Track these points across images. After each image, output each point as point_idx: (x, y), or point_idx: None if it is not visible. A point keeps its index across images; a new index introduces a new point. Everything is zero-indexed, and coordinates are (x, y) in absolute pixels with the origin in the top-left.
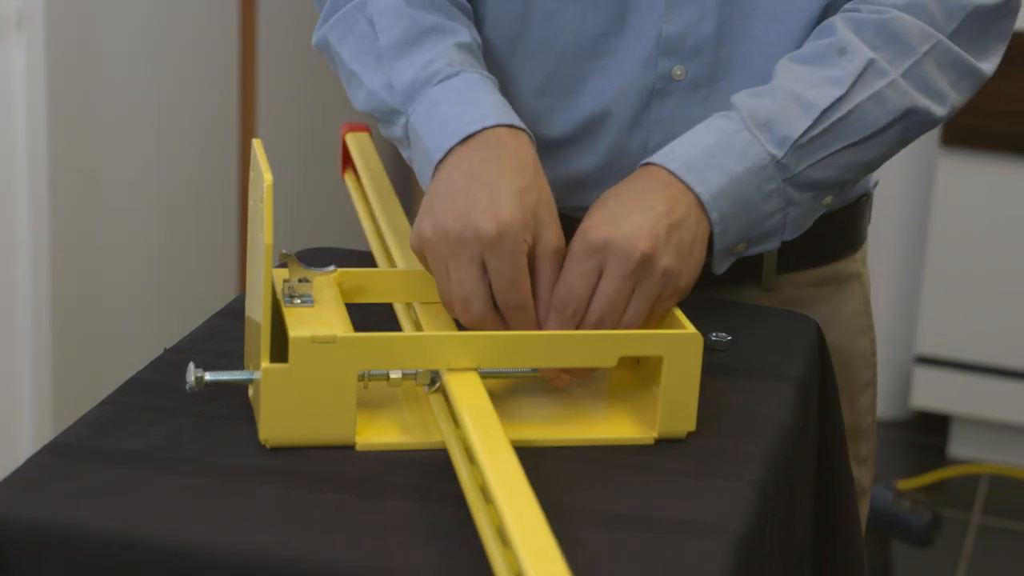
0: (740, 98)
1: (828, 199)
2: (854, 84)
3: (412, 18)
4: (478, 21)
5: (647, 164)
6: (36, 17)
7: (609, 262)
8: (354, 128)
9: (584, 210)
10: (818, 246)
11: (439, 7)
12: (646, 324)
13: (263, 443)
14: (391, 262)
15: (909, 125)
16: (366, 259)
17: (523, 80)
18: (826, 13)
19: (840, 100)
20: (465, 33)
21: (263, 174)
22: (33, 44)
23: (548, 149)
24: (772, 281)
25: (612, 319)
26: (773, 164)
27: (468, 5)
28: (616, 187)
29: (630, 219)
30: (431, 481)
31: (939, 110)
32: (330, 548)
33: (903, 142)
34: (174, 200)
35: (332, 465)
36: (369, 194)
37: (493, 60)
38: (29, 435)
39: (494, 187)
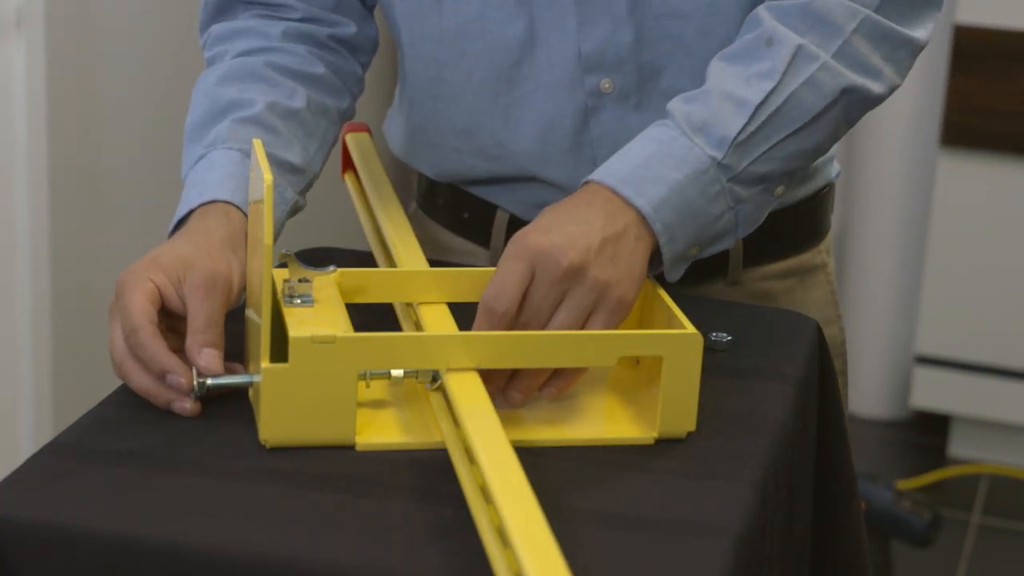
0: (675, 105)
1: (780, 189)
2: (785, 73)
3: (212, 98)
4: (402, 76)
5: (587, 181)
6: (36, 17)
7: (538, 269)
8: (354, 128)
9: None
10: (782, 238)
11: (256, 75)
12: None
13: (263, 443)
14: (391, 262)
15: (849, 104)
16: (366, 259)
17: (452, 122)
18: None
19: (773, 92)
20: (257, 103)
21: (263, 174)
22: (33, 44)
23: (506, 184)
24: (738, 275)
25: (536, 325)
26: (714, 166)
27: (311, 59)
28: (559, 201)
29: (564, 229)
30: (431, 481)
31: (876, 86)
32: (330, 548)
33: (848, 122)
34: (174, 200)
35: (332, 465)
36: (369, 194)
37: (419, 109)
38: (29, 435)
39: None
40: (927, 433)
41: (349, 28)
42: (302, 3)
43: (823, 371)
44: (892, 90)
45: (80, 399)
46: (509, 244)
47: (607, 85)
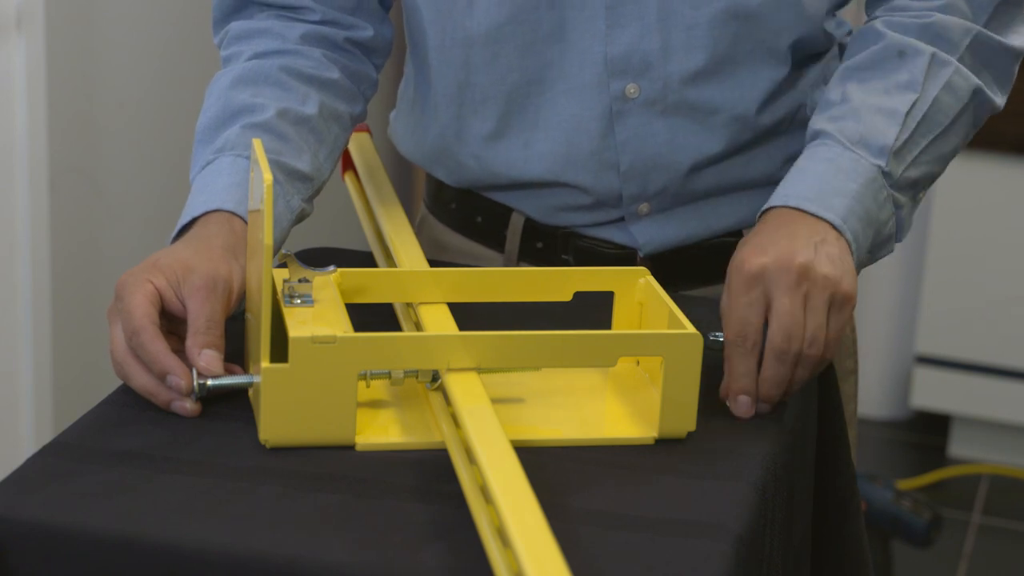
0: (823, 124)
1: (921, 195)
2: (925, 82)
3: (225, 101)
4: (426, 79)
5: (768, 210)
6: (36, 17)
7: (771, 284)
8: (355, 129)
9: (589, 226)
10: None
11: (269, 79)
12: (828, 347)
13: (263, 443)
14: (391, 262)
15: (978, 106)
16: (366, 259)
17: (478, 126)
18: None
19: (918, 100)
20: (268, 109)
21: (263, 174)
22: (33, 44)
23: (528, 189)
24: None
25: (798, 334)
26: (880, 174)
27: (327, 64)
28: (751, 232)
29: (778, 245)
30: (431, 481)
31: (993, 94)
32: (330, 548)
33: (975, 125)
34: (174, 200)
35: (332, 465)
36: (369, 194)
37: (442, 114)
38: (29, 435)
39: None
40: (927, 433)
41: (366, 31)
42: (321, 5)
43: (823, 371)
44: (1004, 95)
45: (80, 399)
46: (731, 276)
47: (633, 90)
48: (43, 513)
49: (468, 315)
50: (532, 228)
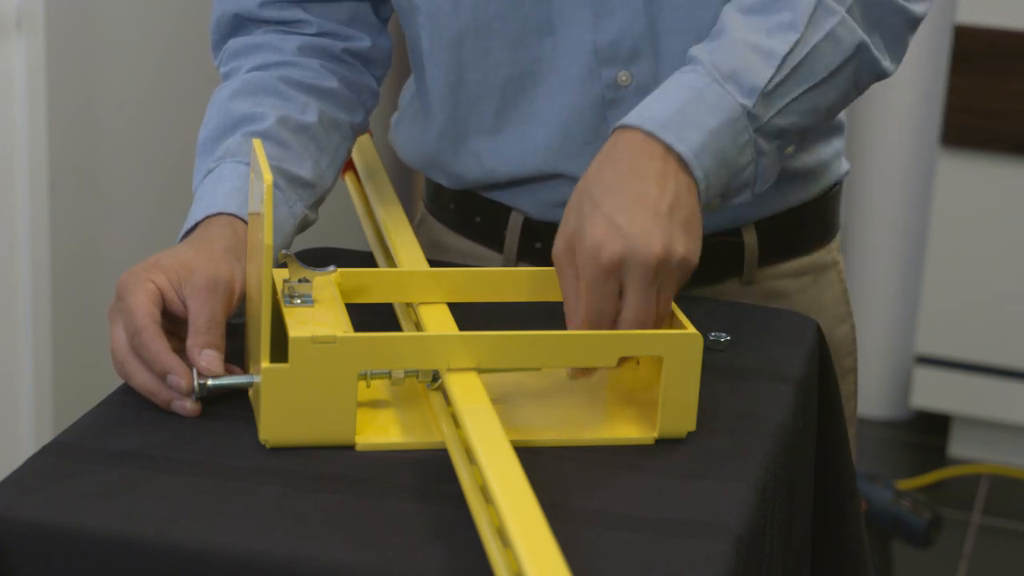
0: (699, 52)
1: (791, 148)
2: (807, 26)
3: (225, 112)
4: (424, 84)
5: (622, 128)
6: (36, 17)
7: (628, 276)
8: None
9: None
10: (797, 237)
11: (269, 89)
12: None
13: (263, 443)
14: (391, 262)
15: (860, 65)
16: (366, 259)
17: (474, 123)
18: None
19: (797, 44)
20: (269, 118)
21: (263, 174)
22: (33, 44)
23: (526, 185)
24: (753, 274)
25: (648, 322)
26: (745, 115)
27: (325, 74)
28: (597, 169)
29: (634, 221)
30: (431, 481)
31: (881, 56)
32: (330, 548)
33: (858, 86)
34: (174, 200)
35: (332, 465)
36: (369, 194)
37: (439, 117)
38: (29, 435)
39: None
40: (927, 433)
41: (363, 42)
42: (317, 18)
43: (823, 371)
44: (896, 60)
45: (80, 399)
46: (586, 260)
47: (625, 78)
48: (43, 513)
49: (468, 315)
50: (531, 227)
